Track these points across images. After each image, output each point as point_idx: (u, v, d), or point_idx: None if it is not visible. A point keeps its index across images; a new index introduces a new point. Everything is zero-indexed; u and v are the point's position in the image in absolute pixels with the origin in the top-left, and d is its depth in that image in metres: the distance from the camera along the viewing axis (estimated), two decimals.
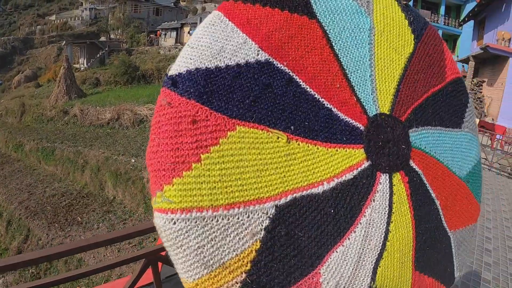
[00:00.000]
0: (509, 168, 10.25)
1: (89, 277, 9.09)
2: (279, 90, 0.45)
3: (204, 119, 0.41)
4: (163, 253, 1.84)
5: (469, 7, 21.82)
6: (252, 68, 0.44)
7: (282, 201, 0.42)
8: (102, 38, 35.92)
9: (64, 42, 32.10)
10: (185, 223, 0.38)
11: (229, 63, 0.44)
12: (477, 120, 14.64)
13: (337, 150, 0.48)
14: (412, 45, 0.62)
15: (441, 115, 0.63)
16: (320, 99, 0.49)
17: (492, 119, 15.98)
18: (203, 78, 0.42)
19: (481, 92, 17.90)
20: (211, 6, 37.86)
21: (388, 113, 0.55)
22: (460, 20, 22.26)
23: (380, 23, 0.58)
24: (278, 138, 0.43)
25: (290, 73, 0.47)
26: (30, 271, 9.58)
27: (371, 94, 0.53)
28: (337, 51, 0.52)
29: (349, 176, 0.49)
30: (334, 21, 0.53)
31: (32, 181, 14.39)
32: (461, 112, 0.68)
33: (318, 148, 0.47)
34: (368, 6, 0.58)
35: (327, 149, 0.48)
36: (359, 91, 0.52)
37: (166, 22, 35.69)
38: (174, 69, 0.43)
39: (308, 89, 0.48)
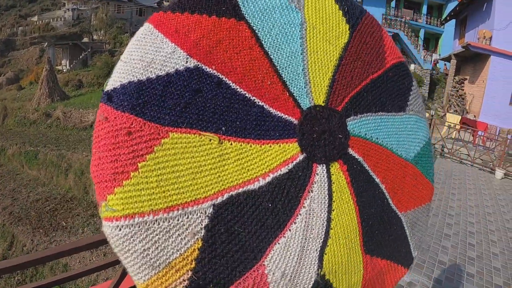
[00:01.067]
0: (491, 163, 10.47)
1: (75, 283, 8.94)
2: (209, 93, 0.47)
3: (139, 130, 0.43)
4: None
5: (450, 6, 22.23)
6: (182, 76, 0.46)
7: (219, 200, 0.45)
8: (85, 39, 35.31)
9: (46, 43, 31.44)
10: (129, 228, 0.41)
11: (160, 74, 0.46)
12: (459, 117, 14.92)
13: (270, 146, 0.50)
14: (347, 34, 0.63)
15: (382, 101, 0.64)
16: (251, 98, 0.50)
17: (474, 116, 16.30)
18: (136, 90, 0.44)
19: (463, 90, 18.25)
20: None
21: (323, 105, 0.57)
22: (442, 19, 22.64)
23: (312, 16, 0.59)
24: (210, 140, 0.45)
25: (220, 76, 0.48)
26: (16, 278, 9.36)
27: (304, 88, 0.55)
28: (267, 49, 0.53)
29: (284, 170, 0.50)
30: (263, 20, 0.54)
31: (16, 186, 14.05)
32: (404, 96, 0.70)
33: (251, 146, 0.49)
34: (299, 1, 0.59)
35: (261, 146, 0.49)
36: (291, 86, 0.54)
37: None
38: (110, 85, 0.46)
39: (238, 89, 0.49)
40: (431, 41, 25.37)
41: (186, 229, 0.43)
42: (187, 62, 0.47)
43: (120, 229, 0.42)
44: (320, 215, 0.52)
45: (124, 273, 1.69)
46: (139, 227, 0.42)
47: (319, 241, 0.51)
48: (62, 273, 9.33)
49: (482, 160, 10.79)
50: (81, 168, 13.65)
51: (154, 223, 0.42)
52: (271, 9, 0.56)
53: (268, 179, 0.49)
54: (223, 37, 0.50)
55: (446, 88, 18.85)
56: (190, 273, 0.43)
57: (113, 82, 0.46)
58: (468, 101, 17.52)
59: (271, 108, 0.51)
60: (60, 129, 18.29)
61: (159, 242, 0.42)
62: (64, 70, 28.61)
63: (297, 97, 0.54)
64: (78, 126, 18.06)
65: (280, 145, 0.51)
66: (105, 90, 0.46)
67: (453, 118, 14.55)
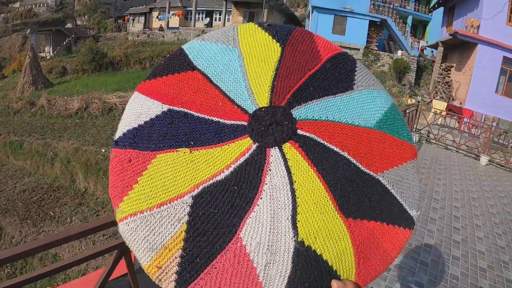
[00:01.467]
0: (476, 150, 10.68)
1: (65, 273, 8.91)
2: (179, 123, 0.67)
3: (136, 157, 0.63)
4: None
5: None
6: (160, 117, 0.67)
7: (196, 192, 0.59)
8: (68, 25, 34.42)
9: (29, 30, 30.53)
10: (134, 223, 0.57)
11: (146, 120, 0.67)
12: (445, 104, 15.10)
13: (229, 146, 0.64)
14: (279, 50, 0.78)
15: (325, 87, 0.74)
16: (209, 118, 0.68)
17: (460, 103, 16.52)
18: (132, 134, 0.66)
19: (449, 77, 18.44)
20: None
21: (267, 106, 0.70)
22: (430, 7, 22.71)
23: (246, 48, 0.78)
24: (184, 153, 0.62)
25: (185, 110, 0.68)
26: (6, 270, 9.27)
27: (249, 99, 0.70)
28: (216, 82, 0.72)
29: (242, 159, 0.63)
30: (210, 64, 0.75)
31: (1, 177, 13.79)
32: (348, 77, 0.77)
33: (214, 150, 0.64)
34: (234, 41, 0.79)
35: (221, 147, 0.64)
36: (238, 101, 0.70)
37: (134, 7, 34.50)
38: (117, 135, 0.67)
39: (199, 115, 0.68)
40: (418, 28, 25.43)
41: (174, 217, 0.57)
42: (162, 108, 0.68)
43: (128, 225, 0.57)
44: (283, 187, 0.61)
45: (116, 262, 1.68)
46: (140, 221, 0.57)
47: (288, 210, 0.59)
48: (52, 263, 9.25)
49: (467, 146, 10.99)
50: (67, 156, 13.45)
51: (150, 216, 0.57)
52: (215, 55, 0.76)
53: (230, 169, 0.62)
54: (183, 85, 0.72)
55: (432, 75, 19.02)
56: (180, 251, 0.55)
57: (118, 133, 0.67)
58: (454, 88, 17.73)
59: (225, 120, 0.67)
60: (45, 117, 17.88)
61: (155, 230, 0.56)
62: (48, 57, 27.91)
63: (245, 107, 0.69)
64: (63, 113, 17.66)
65: (236, 143, 0.65)
66: (114, 139, 0.67)
67: (439, 105, 14.73)
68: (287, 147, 0.65)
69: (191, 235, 0.56)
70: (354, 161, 0.67)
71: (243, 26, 0.83)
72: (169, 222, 0.56)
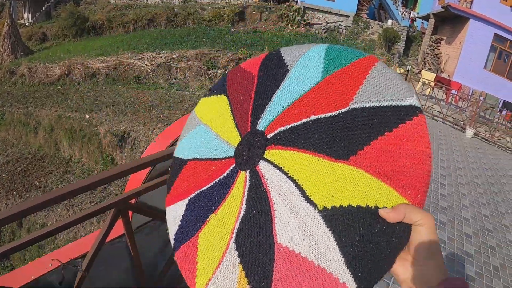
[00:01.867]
0: (462, 122, 10.85)
1: (54, 242, 8.88)
2: (199, 202, 0.80)
3: (187, 248, 0.75)
4: (132, 201, 1.73)
5: None
6: (187, 210, 0.81)
7: (233, 237, 0.68)
8: None
9: None
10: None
11: (180, 219, 0.82)
12: (434, 75, 15.15)
13: (234, 189, 0.75)
14: (226, 98, 0.91)
15: (269, 91, 0.82)
16: (213, 183, 0.80)
17: (448, 75, 16.62)
18: (178, 236, 0.79)
19: (438, 49, 18.44)
20: None
21: (239, 141, 0.81)
22: None
23: (207, 118, 0.93)
24: (212, 218, 0.74)
25: (197, 192, 0.82)
26: None
27: (228, 147, 0.82)
28: (203, 157, 0.88)
29: (246, 189, 0.71)
30: (193, 150, 0.91)
31: None
32: (279, 66, 0.84)
33: (228, 200, 0.75)
34: (198, 121, 0.95)
35: (231, 194, 0.75)
36: (222, 155, 0.82)
37: None
38: (172, 245, 0.80)
39: (207, 187, 0.81)
40: None
41: (230, 266, 0.65)
42: (184, 203, 0.82)
43: None
44: (283, 183, 0.66)
45: (113, 221, 1.63)
46: (212, 286, 0.65)
47: (298, 196, 0.63)
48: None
49: (453, 118, 11.15)
50: (50, 124, 13.10)
51: (216, 278, 0.65)
52: (192, 141, 0.93)
53: (244, 203, 0.70)
54: (187, 177, 0.87)
55: (422, 46, 18.97)
56: (248, 286, 0.61)
57: (171, 243, 0.80)
58: (443, 61, 17.78)
59: (223, 175, 0.79)
60: (26, 85, 17.17)
61: (224, 285, 0.64)
62: (27, 24, 26.61)
63: (228, 155, 0.80)
64: (44, 81, 17.00)
65: (237, 183, 0.74)
66: (172, 248, 0.79)
67: (428, 75, 14.79)
68: (267, 153, 0.72)
69: (247, 269, 0.63)
70: (323, 116, 0.69)
71: (197, 107, 1.00)
72: (229, 272, 0.65)
